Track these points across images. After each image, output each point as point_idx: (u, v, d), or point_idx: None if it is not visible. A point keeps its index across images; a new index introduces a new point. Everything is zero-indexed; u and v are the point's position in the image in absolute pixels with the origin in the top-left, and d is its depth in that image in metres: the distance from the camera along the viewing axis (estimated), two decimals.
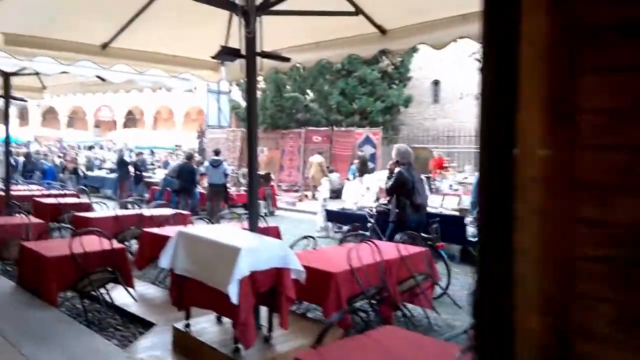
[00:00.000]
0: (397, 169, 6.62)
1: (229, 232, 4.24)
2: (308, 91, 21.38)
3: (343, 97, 20.73)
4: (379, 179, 13.71)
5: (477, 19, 3.44)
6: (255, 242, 3.78)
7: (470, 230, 7.50)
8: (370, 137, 17.47)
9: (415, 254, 5.15)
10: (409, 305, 5.18)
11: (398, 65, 21.63)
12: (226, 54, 3.94)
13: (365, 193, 12.77)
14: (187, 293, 3.96)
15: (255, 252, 3.59)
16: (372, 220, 9.00)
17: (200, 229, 4.67)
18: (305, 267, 3.93)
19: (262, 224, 6.08)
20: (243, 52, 3.88)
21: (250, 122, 3.92)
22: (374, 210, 9.24)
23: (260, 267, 3.62)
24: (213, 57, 4.05)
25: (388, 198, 6.97)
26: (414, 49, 20.82)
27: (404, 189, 6.48)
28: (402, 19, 4.44)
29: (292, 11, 4.08)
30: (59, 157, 19.82)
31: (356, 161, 16.24)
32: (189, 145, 25.81)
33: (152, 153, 25.72)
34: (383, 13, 4.44)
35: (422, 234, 6.21)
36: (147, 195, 14.67)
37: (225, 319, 4.04)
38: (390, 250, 4.90)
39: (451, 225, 8.02)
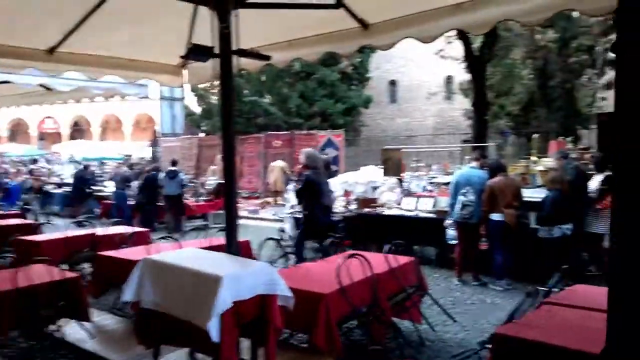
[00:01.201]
0: (305, 173, 6.87)
1: (203, 256, 3.71)
2: (267, 95, 20.86)
3: (302, 100, 20.32)
4: (343, 182, 13.41)
5: (476, 7, 3.04)
6: (237, 268, 3.29)
7: (450, 232, 7.21)
8: (332, 139, 17.14)
9: (405, 264, 4.77)
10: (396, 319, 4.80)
11: (357, 65, 21.42)
12: (197, 53, 3.43)
13: None
14: (157, 329, 3.41)
15: (238, 280, 3.10)
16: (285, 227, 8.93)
17: (169, 254, 4.09)
18: (290, 288, 3.46)
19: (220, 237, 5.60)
20: (216, 50, 3.39)
21: (226, 128, 3.44)
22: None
23: (244, 295, 3.13)
24: (182, 57, 3.54)
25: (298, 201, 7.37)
26: (372, 48, 20.77)
27: (312, 192, 6.73)
28: (387, 11, 4.05)
29: (271, 4, 3.63)
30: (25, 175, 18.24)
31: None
32: (140, 154, 24.82)
33: (102, 164, 24.57)
34: (365, 5, 4.03)
35: (331, 234, 6.48)
36: (97, 211, 13.77)
37: (200, 355, 3.53)
38: (379, 262, 4.49)
39: (428, 228, 7.75)
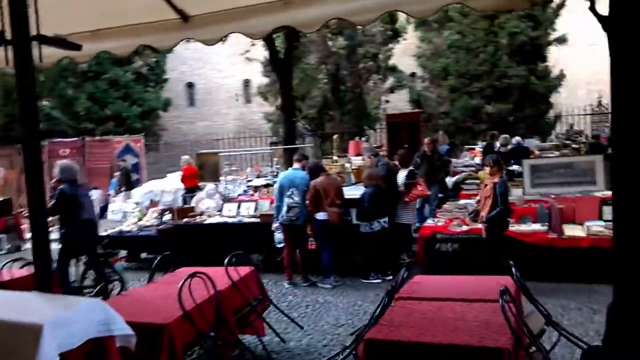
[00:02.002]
0: (59, 187, 6.22)
1: (5, 297, 2.87)
2: (47, 98, 18.25)
3: (92, 103, 18.33)
4: (148, 192, 12.46)
5: (306, 4, 2.95)
6: (59, 309, 2.59)
7: (277, 236, 7.11)
8: (130, 145, 15.82)
9: (247, 275, 4.47)
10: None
11: (153, 65, 20.14)
12: None
13: (132, 209, 11.42)
14: None
15: (63, 325, 2.44)
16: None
17: None
18: (127, 322, 2.90)
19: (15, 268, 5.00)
20: (9, 35, 2.63)
21: (28, 134, 2.69)
22: None
23: (73, 343, 2.49)
24: None
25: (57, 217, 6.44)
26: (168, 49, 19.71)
27: (68, 207, 6.13)
28: (209, 2, 3.71)
29: None
30: None
31: (117, 173, 14.59)
32: None
33: None
34: None
35: (97, 252, 6.28)
36: None
37: None
38: (220, 277, 4.11)
39: (254, 233, 7.53)
